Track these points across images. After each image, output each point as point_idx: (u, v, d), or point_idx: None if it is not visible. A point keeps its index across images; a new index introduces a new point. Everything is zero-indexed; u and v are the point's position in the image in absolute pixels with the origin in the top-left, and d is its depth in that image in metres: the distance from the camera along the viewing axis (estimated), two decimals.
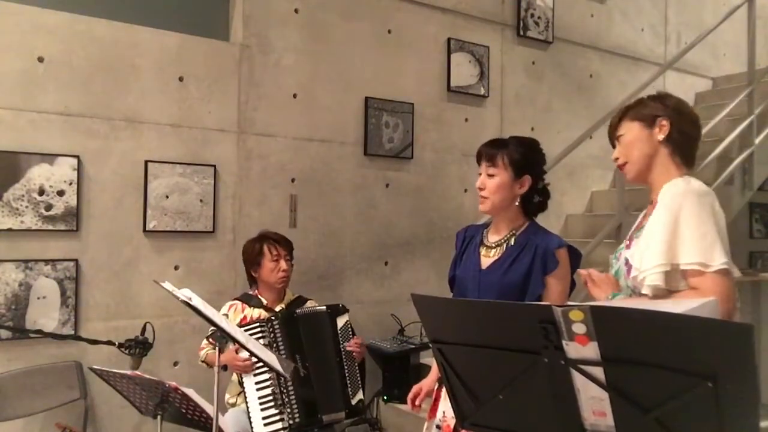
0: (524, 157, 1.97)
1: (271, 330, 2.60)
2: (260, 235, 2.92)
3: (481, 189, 2.00)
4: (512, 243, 1.97)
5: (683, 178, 1.60)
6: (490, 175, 1.98)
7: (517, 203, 1.98)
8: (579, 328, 0.95)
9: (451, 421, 1.91)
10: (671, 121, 1.65)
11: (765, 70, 4.66)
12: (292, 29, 3.57)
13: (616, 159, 1.75)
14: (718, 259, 1.43)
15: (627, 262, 1.63)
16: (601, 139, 4.54)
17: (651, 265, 1.49)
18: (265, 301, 2.84)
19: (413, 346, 3.51)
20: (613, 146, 1.79)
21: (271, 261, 2.81)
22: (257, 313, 2.80)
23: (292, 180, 3.55)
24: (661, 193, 1.58)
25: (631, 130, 1.71)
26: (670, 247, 1.47)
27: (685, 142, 1.67)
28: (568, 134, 4.44)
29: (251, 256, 2.86)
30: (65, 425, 2.38)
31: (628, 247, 1.68)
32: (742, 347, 0.87)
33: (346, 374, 2.69)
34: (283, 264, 2.83)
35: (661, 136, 1.66)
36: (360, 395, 2.71)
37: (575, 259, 1.97)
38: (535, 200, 2.01)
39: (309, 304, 2.91)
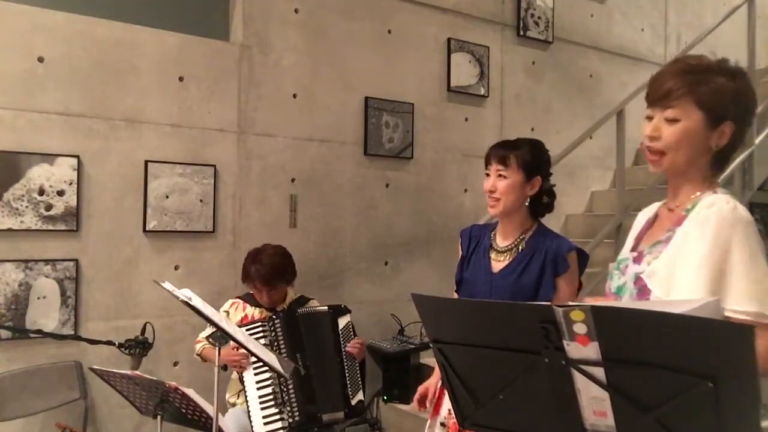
0: (535, 159, 1.97)
1: (272, 329, 2.60)
2: (255, 256, 2.83)
3: (492, 191, 1.97)
4: (523, 247, 1.97)
5: (725, 198, 1.31)
6: (501, 176, 1.96)
7: (525, 204, 1.99)
8: (580, 329, 0.95)
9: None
10: (734, 128, 1.33)
11: (765, 70, 4.66)
12: (292, 29, 3.56)
13: (653, 139, 1.35)
14: None
15: (638, 281, 1.36)
16: (601, 139, 4.56)
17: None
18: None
19: (413, 346, 3.51)
20: (653, 103, 1.37)
21: (255, 289, 2.82)
22: (258, 312, 2.81)
23: (292, 180, 3.55)
24: (700, 214, 1.30)
25: (690, 117, 1.31)
26: (716, 288, 1.23)
27: (732, 150, 1.37)
28: (568, 134, 4.44)
29: (244, 273, 2.85)
30: (65, 425, 2.38)
31: (638, 261, 1.40)
32: (743, 347, 0.87)
33: (347, 374, 2.69)
34: (265, 297, 2.80)
35: (718, 145, 1.34)
36: (360, 396, 2.71)
37: (583, 260, 1.99)
38: (544, 201, 2.02)
39: (311, 304, 2.91)
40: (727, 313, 1.22)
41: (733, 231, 1.25)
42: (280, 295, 2.86)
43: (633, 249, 1.47)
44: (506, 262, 1.97)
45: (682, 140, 1.32)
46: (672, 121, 1.33)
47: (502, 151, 1.97)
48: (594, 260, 3.88)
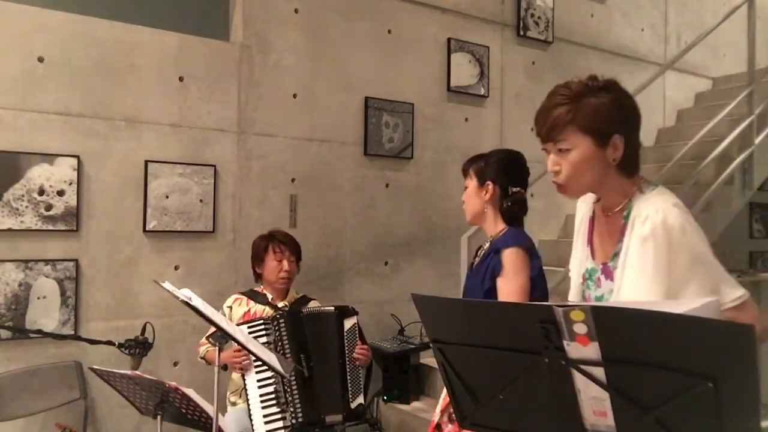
0: (487, 166, 2.08)
1: (276, 328, 2.59)
2: (270, 233, 2.96)
3: (462, 202, 2.14)
4: (486, 248, 2.06)
5: (654, 207, 1.32)
6: (465, 188, 2.13)
7: (486, 209, 2.06)
8: (580, 329, 0.95)
9: (436, 416, 2.00)
10: (625, 138, 1.36)
11: (765, 70, 4.65)
12: (292, 29, 3.56)
13: (556, 173, 1.40)
14: (739, 288, 1.30)
15: (618, 296, 1.38)
16: None
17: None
18: (270, 296, 2.86)
19: (413, 346, 3.51)
20: (543, 140, 1.42)
21: (274, 260, 2.85)
22: (262, 308, 2.81)
23: (292, 180, 3.55)
24: (638, 231, 1.32)
25: (580, 147, 1.35)
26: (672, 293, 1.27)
27: (634, 154, 1.39)
28: None
29: (256, 252, 2.92)
30: (65, 425, 2.37)
31: (608, 275, 1.41)
32: (743, 347, 0.87)
33: (348, 377, 2.67)
34: (285, 264, 2.85)
35: (615, 158, 1.36)
36: (360, 399, 2.69)
37: (534, 261, 1.96)
38: (504, 206, 2.06)
39: (312, 303, 2.91)
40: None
41: (670, 242, 1.27)
42: (293, 274, 2.90)
43: (593, 254, 1.49)
44: (476, 264, 2.08)
45: (580, 167, 1.36)
46: (565, 151, 1.37)
47: (464, 165, 2.15)
48: None
